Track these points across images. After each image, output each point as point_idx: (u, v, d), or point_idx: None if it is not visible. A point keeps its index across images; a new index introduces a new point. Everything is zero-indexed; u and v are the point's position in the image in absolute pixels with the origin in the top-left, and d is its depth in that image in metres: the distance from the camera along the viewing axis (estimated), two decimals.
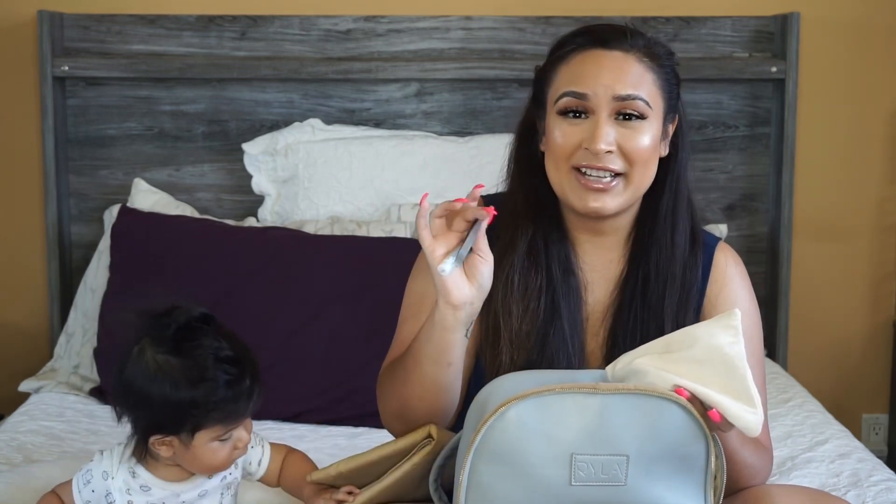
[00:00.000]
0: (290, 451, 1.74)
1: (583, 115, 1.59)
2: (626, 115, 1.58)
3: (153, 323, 1.58)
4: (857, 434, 3.23)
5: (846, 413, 3.14)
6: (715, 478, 1.42)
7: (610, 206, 1.60)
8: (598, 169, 1.57)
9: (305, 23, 3.07)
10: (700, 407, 1.39)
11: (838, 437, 2.37)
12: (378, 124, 3.09)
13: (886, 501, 2.01)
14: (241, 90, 3.06)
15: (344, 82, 3.06)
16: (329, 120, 3.06)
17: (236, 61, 3.03)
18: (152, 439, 1.58)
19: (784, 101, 3.03)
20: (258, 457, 1.70)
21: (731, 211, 3.13)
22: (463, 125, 3.10)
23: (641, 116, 1.58)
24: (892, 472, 2.16)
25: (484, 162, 2.95)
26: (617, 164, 1.58)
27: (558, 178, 1.62)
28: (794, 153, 3.07)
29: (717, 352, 1.38)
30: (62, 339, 2.85)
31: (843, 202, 3.20)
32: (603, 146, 1.56)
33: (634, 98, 1.57)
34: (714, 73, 3.02)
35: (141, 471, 1.62)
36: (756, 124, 3.12)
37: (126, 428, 1.63)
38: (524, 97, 3.03)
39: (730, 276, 1.70)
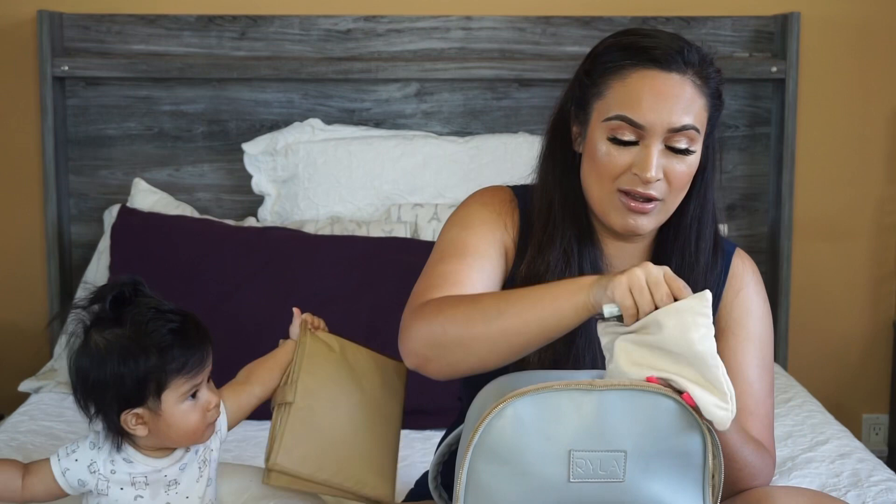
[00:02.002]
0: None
1: (634, 141, 1.58)
2: (677, 148, 1.58)
3: (89, 308, 1.61)
4: (857, 434, 3.23)
5: (846, 413, 3.14)
6: (713, 476, 1.42)
7: (646, 227, 1.62)
8: (643, 196, 1.58)
9: (305, 23, 3.07)
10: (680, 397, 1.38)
11: (838, 437, 2.37)
12: (378, 124, 3.09)
13: (886, 501, 2.01)
14: (241, 90, 3.06)
15: (344, 82, 3.06)
16: (329, 120, 3.06)
17: (236, 61, 3.03)
18: (124, 416, 1.58)
19: (784, 101, 3.03)
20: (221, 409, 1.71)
21: (731, 211, 3.13)
22: (463, 125, 3.10)
23: (689, 149, 1.59)
24: (892, 472, 2.16)
25: (484, 162, 2.96)
26: (660, 191, 1.59)
27: (600, 194, 1.62)
28: (794, 153, 3.07)
29: (689, 348, 1.36)
30: (62, 339, 2.85)
31: (843, 202, 3.21)
32: (653, 174, 1.57)
33: (688, 128, 1.57)
34: None
35: (125, 446, 1.63)
36: (756, 124, 3.12)
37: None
38: (524, 97, 3.08)
39: (746, 282, 1.71)
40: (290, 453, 1.64)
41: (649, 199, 1.59)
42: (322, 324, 1.73)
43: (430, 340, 1.52)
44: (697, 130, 1.58)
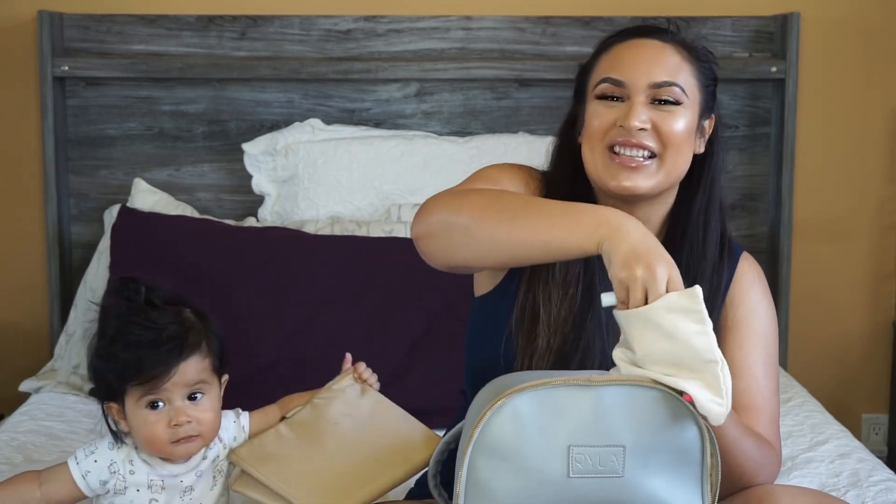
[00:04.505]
0: (286, 398, 1.77)
1: (619, 100, 1.63)
2: (662, 100, 1.61)
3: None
4: (857, 434, 3.23)
5: (846, 413, 3.14)
6: (710, 475, 1.42)
7: (642, 186, 1.62)
8: (633, 146, 1.60)
9: (305, 23, 3.07)
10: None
11: (838, 437, 2.37)
12: (378, 124, 3.09)
13: (886, 501, 2.01)
14: (241, 90, 3.07)
15: (344, 82, 3.06)
16: (329, 120, 3.06)
17: (236, 61, 3.03)
18: (106, 406, 1.63)
19: (784, 101, 3.03)
20: (240, 426, 1.70)
21: (731, 211, 3.12)
22: (463, 125, 3.10)
23: (677, 102, 1.61)
24: (891, 472, 2.16)
25: (484, 162, 2.94)
26: (651, 142, 1.61)
27: (593, 159, 1.64)
28: (794, 153, 3.07)
29: (685, 344, 1.35)
30: (62, 339, 2.85)
31: (843, 202, 3.21)
32: (637, 123, 1.59)
33: (671, 84, 1.61)
34: None
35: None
36: (756, 124, 3.12)
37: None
38: (524, 97, 3.08)
39: (752, 283, 1.73)
40: (253, 450, 1.65)
41: (641, 151, 1.59)
42: (371, 378, 1.75)
43: (443, 216, 1.54)
44: (682, 89, 1.61)
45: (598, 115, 1.63)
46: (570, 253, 1.45)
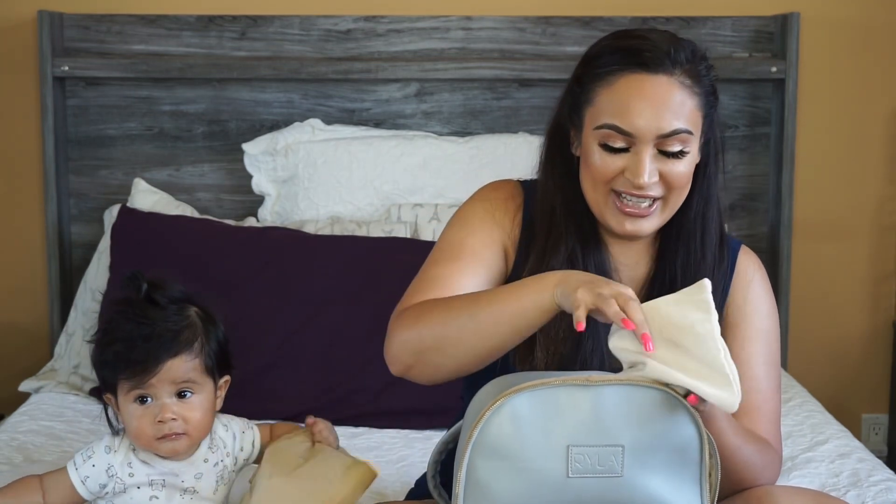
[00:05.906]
0: (275, 425, 1.78)
1: (624, 149, 1.58)
2: (670, 152, 1.57)
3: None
4: (857, 434, 3.23)
5: (846, 413, 3.14)
6: (710, 475, 1.43)
7: (646, 230, 1.62)
8: (639, 196, 1.59)
9: (305, 23, 3.07)
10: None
11: (838, 437, 2.37)
12: (378, 124, 3.09)
13: (886, 501, 2.01)
14: (241, 90, 3.06)
15: (344, 82, 3.06)
16: (329, 120, 3.06)
17: (236, 61, 3.03)
18: (106, 395, 1.66)
19: (784, 101, 3.03)
20: (249, 439, 1.72)
21: (731, 211, 3.13)
22: (463, 125, 3.10)
23: (683, 152, 1.58)
24: (891, 472, 2.16)
25: (484, 162, 2.95)
26: (657, 191, 1.59)
27: (595, 197, 1.62)
28: (794, 153, 3.07)
29: (689, 332, 1.37)
30: (62, 339, 2.86)
31: (843, 202, 3.21)
32: (645, 180, 1.56)
33: (679, 132, 1.56)
34: None
35: (141, 448, 1.66)
36: (756, 124, 3.12)
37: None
38: (524, 97, 3.08)
39: (752, 279, 1.71)
40: None
41: (651, 202, 1.59)
42: (331, 436, 1.73)
43: (410, 347, 1.56)
44: (689, 132, 1.58)
45: (603, 161, 1.58)
46: (534, 317, 1.48)
